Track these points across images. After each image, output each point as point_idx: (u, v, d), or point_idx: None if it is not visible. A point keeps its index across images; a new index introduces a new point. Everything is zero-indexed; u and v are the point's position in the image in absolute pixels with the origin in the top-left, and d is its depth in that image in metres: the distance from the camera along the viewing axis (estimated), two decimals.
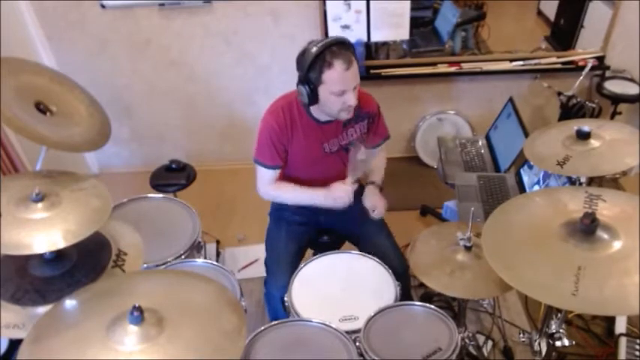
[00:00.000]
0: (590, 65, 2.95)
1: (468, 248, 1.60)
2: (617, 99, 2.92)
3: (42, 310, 1.26)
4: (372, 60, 3.14)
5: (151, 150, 3.54)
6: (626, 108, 3.06)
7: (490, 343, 2.22)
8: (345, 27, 2.97)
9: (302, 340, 1.55)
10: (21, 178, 1.50)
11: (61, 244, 1.25)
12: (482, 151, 2.73)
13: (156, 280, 1.33)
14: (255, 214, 2.98)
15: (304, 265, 1.85)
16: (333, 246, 2.04)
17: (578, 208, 1.31)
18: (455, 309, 2.25)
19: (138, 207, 2.13)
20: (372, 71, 3.10)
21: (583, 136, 1.65)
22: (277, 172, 1.95)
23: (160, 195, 2.21)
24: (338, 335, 1.55)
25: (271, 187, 1.96)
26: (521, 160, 2.36)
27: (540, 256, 1.23)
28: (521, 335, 1.71)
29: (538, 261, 1.22)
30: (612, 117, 3.00)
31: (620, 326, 2.11)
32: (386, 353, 1.49)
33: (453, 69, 3.10)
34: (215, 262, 1.88)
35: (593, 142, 1.65)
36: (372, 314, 1.60)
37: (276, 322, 1.61)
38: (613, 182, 2.99)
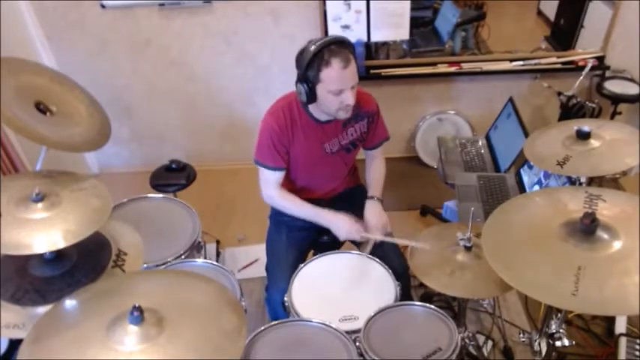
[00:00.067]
0: (590, 65, 2.95)
1: (468, 248, 1.60)
2: (617, 99, 2.92)
3: (42, 310, 1.26)
4: (372, 60, 3.14)
5: (151, 150, 3.54)
6: (626, 108, 3.06)
7: (490, 343, 2.22)
8: (345, 27, 2.97)
9: (302, 340, 1.55)
10: (21, 178, 1.49)
11: (61, 244, 1.25)
12: (482, 151, 2.72)
13: (156, 280, 1.33)
14: (255, 214, 2.99)
15: (304, 265, 1.85)
16: (333, 246, 2.03)
17: (578, 208, 1.31)
18: (455, 309, 2.25)
19: (138, 207, 2.13)
20: (372, 71, 3.09)
21: (583, 136, 1.65)
22: (281, 175, 1.92)
23: (160, 195, 2.21)
24: (338, 335, 1.54)
25: (276, 194, 1.93)
26: (521, 160, 2.36)
27: (540, 256, 1.23)
28: (521, 335, 1.71)
29: (538, 261, 1.22)
30: (612, 117, 3.00)
31: (620, 326, 2.11)
32: (386, 353, 1.49)
33: (452, 69, 3.09)
34: (215, 262, 1.87)
35: (593, 142, 1.65)
36: (372, 314, 1.60)
37: (276, 322, 1.60)
38: (613, 182, 2.99)
